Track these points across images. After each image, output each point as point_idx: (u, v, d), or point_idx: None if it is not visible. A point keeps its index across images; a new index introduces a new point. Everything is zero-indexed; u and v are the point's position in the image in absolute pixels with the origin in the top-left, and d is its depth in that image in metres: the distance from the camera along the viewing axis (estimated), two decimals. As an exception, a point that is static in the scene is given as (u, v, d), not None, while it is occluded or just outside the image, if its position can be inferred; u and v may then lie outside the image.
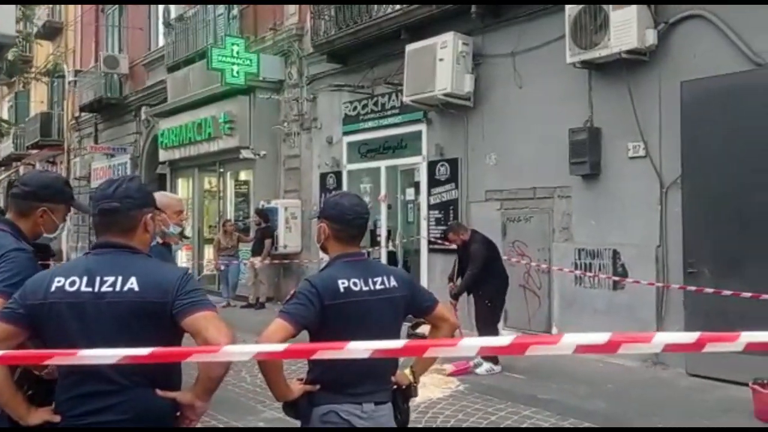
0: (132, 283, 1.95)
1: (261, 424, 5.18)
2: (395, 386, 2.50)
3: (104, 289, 1.95)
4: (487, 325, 6.38)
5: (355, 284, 2.35)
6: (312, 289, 2.30)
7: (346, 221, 2.44)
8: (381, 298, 2.39)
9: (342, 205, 2.47)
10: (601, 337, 1.47)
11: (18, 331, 1.96)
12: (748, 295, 5.14)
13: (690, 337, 1.44)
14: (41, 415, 2.01)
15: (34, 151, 22.18)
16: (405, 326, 5.81)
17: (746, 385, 5.04)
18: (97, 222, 2.08)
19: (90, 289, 1.95)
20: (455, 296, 6.47)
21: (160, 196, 2.98)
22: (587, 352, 1.54)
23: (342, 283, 2.33)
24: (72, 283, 1.96)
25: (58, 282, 1.97)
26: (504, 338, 1.62)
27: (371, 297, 2.37)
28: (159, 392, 1.97)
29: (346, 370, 2.28)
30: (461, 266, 6.65)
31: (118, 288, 1.95)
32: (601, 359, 6.47)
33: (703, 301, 5.73)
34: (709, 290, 5.52)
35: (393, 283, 2.44)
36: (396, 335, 2.50)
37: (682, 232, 6.11)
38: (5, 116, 24.18)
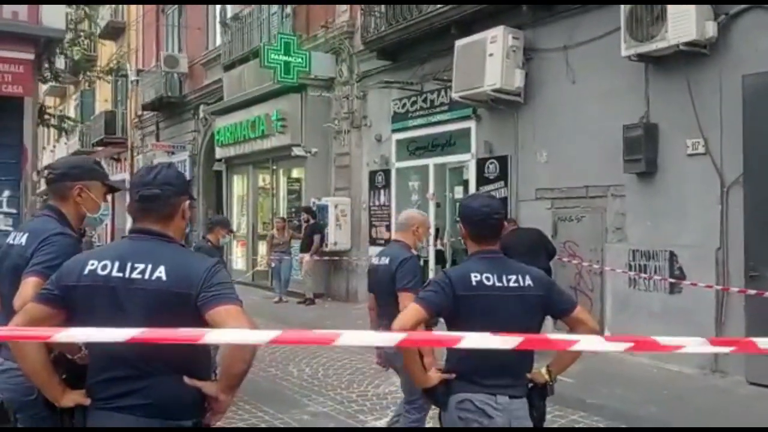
0: (160, 272, 1.96)
1: (306, 418, 5.23)
2: (531, 383, 2.53)
3: (134, 275, 1.97)
4: None
5: (488, 279, 2.45)
6: (446, 279, 2.48)
7: (474, 222, 2.59)
8: (514, 295, 2.46)
9: (471, 207, 2.63)
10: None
11: (54, 312, 2.00)
12: (814, 300, 4.87)
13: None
14: (74, 398, 2.06)
15: (100, 149, 23.02)
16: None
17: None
18: (136, 208, 2.11)
19: (120, 275, 1.98)
20: None
21: None
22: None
23: (474, 277, 2.45)
24: (104, 267, 2.00)
25: (91, 265, 2.01)
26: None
27: (504, 293, 2.45)
28: (186, 380, 1.98)
29: (482, 362, 2.38)
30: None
31: (146, 276, 1.96)
32: (656, 365, 6.23)
33: (765, 305, 5.44)
34: (772, 295, 5.24)
35: (528, 282, 2.49)
36: (532, 333, 2.48)
37: (743, 233, 5.82)
38: (72, 114, 25.16)
